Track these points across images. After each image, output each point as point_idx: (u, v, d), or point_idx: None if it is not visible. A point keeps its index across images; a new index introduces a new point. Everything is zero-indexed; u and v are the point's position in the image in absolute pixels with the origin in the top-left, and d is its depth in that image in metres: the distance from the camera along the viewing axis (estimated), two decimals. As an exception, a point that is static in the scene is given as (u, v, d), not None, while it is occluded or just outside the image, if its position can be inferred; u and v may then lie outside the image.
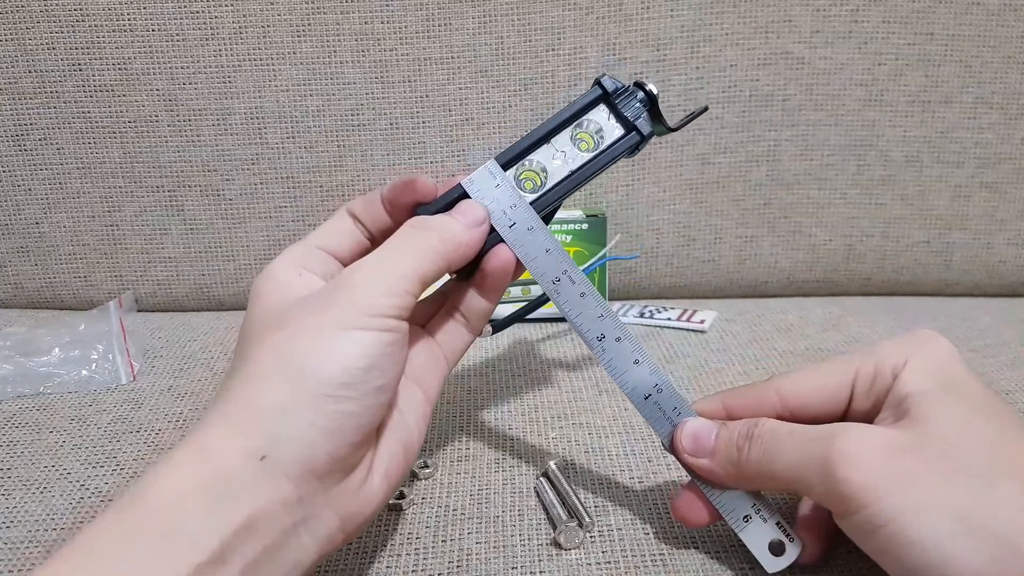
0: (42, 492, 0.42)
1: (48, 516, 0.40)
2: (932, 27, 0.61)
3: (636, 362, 0.35)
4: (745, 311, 0.63)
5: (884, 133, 0.64)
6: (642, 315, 0.62)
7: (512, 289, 0.60)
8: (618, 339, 0.35)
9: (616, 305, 0.65)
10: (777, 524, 0.33)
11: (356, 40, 0.60)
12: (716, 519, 0.34)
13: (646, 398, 0.35)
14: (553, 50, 0.61)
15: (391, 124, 0.62)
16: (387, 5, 0.60)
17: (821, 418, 0.33)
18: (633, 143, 0.37)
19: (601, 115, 0.37)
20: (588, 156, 0.37)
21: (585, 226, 0.60)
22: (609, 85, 0.37)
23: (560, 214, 0.61)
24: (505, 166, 0.37)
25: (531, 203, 0.36)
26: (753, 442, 0.32)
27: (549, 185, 0.37)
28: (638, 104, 0.37)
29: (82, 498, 0.41)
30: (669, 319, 0.61)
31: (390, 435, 0.33)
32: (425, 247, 0.33)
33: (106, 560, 0.25)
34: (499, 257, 0.36)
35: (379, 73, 0.61)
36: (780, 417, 0.33)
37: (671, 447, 0.35)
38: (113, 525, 0.26)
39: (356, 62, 0.61)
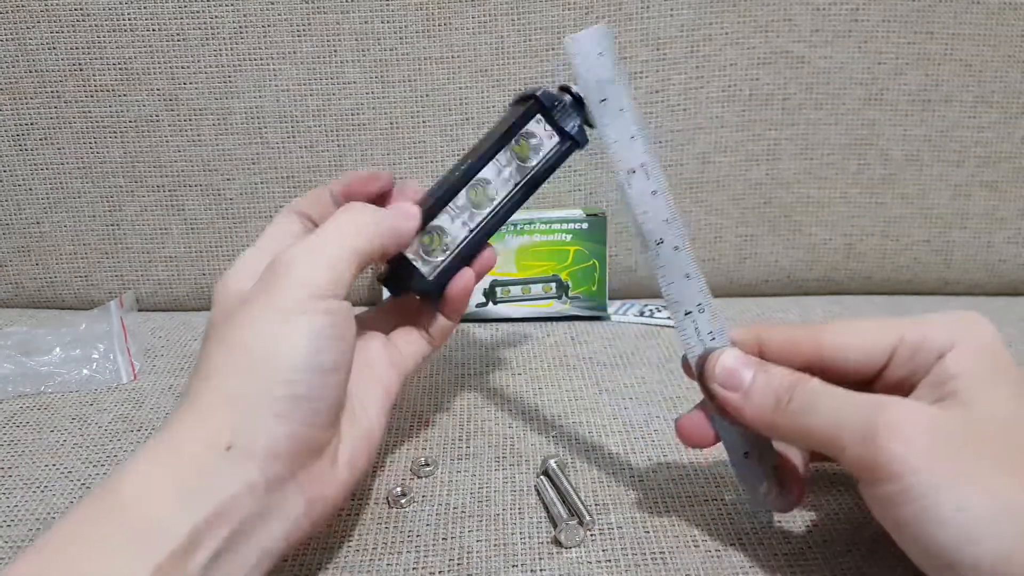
0: (43, 491, 0.42)
1: (49, 515, 0.40)
2: (932, 26, 0.61)
3: (687, 276, 0.34)
4: (745, 310, 0.63)
5: (884, 132, 0.64)
6: (642, 314, 0.62)
7: (512, 289, 0.61)
8: (676, 248, 0.34)
9: (616, 304, 0.65)
10: (773, 468, 0.34)
11: (356, 40, 0.60)
12: (717, 441, 0.34)
13: (686, 314, 0.34)
14: (553, 49, 0.61)
15: (391, 124, 0.63)
16: (387, 5, 0.60)
17: (854, 373, 0.32)
18: (566, 149, 0.39)
19: (538, 127, 0.39)
20: (529, 166, 0.39)
21: (585, 225, 0.60)
22: (546, 100, 0.38)
23: (560, 213, 0.61)
24: (448, 194, 0.38)
25: (483, 219, 0.38)
26: (795, 396, 0.31)
27: (498, 199, 0.39)
28: (571, 110, 0.38)
29: (82, 497, 0.41)
30: (669, 318, 0.61)
31: (352, 425, 0.34)
32: (358, 227, 0.34)
33: (80, 550, 0.26)
34: (460, 284, 0.39)
35: (379, 73, 0.61)
36: (811, 364, 0.33)
37: (698, 370, 0.34)
38: (86, 517, 0.27)
39: (356, 62, 0.61)
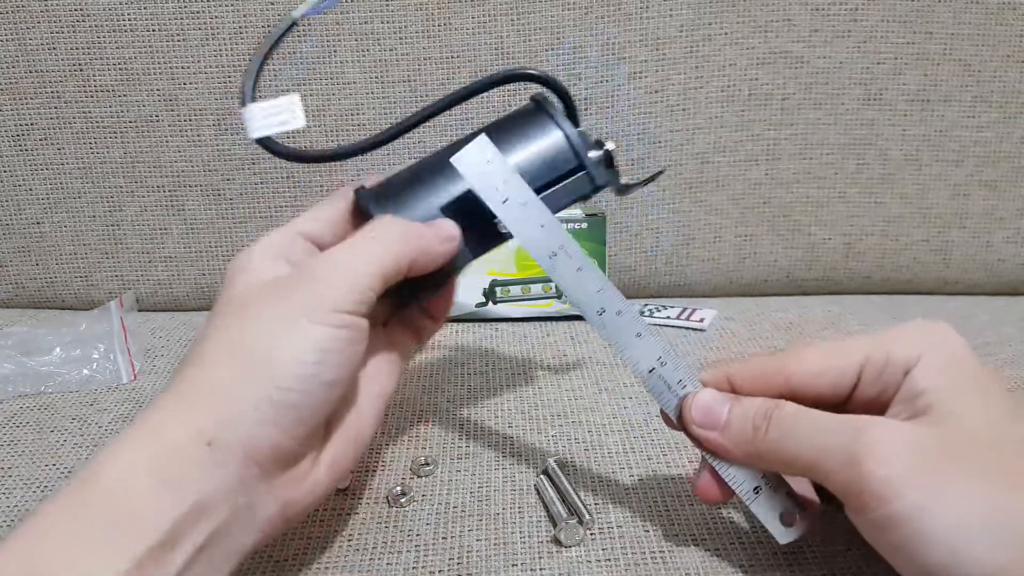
0: (43, 491, 0.42)
1: (50, 514, 0.40)
2: (931, 26, 0.61)
3: (639, 335, 0.34)
4: (745, 309, 0.63)
5: (883, 132, 0.64)
6: (642, 313, 0.62)
7: (512, 289, 0.61)
8: (619, 312, 0.34)
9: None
10: (787, 494, 0.33)
11: (356, 40, 0.61)
12: (732, 495, 0.34)
13: (650, 371, 0.34)
14: (552, 49, 0.61)
15: (391, 124, 0.62)
16: (387, 5, 0.60)
17: (824, 399, 0.32)
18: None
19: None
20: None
21: (584, 225, 0.60)
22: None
23: (560, 213, 0.61)
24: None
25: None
26: (772, 423, 0.31)
27: None
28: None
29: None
30: (668, 317, 0.61)
31: (341, 428, 0.33)
32: (390, 244, 0.33)
33: (58, 542, 0.26)
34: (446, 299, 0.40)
35: (379, 72, 0.61)
36: (782, 395, 0.33)
37: (678, 418, 0.34)
38: (66, 507, 0.27)
39: (356, 61, 0.61)
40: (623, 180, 0.39)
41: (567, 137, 0.37)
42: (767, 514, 0.33)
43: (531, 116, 0.38)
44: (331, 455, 0.32)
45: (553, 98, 0.39)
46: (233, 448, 0.28)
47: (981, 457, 0.28)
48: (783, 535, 0.33)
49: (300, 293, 0.31)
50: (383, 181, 0.37)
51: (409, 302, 0.38)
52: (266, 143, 0.37)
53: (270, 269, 0.33)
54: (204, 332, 0.31)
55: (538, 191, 0.36)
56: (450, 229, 0.36)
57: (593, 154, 0.37)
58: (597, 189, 0.37)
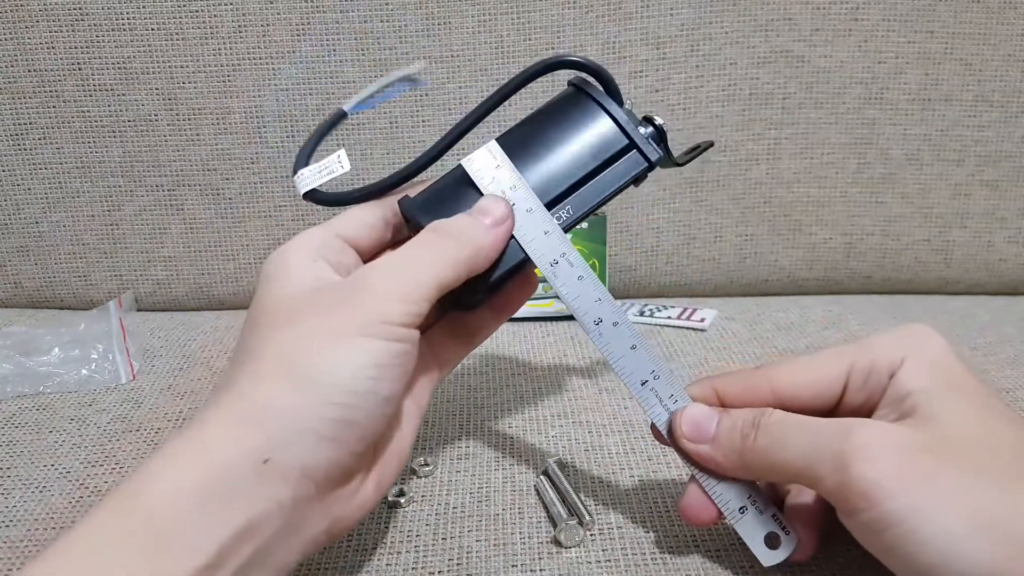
0: (41, 491, 0.42)
1: (47, 515, 0.40)
2: (932, 25, 0.61)
3: (633, 347, 0.34)
4: (745, 309, 0.63)
5: (884, 131, 0.63)
6: (642, 313, 0.62)
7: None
8: (615, 324, 0.34)
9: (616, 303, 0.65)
10: (773, 516, 0.33)
11: (356, 39, 0.60)
12: (722, 517, 0.34)
13: (643, 384, 0.34)
14: (552, 48, 0.61)
15: (391, 123, 0.62)
16: (386, 4, 0.60)
17: (812, 410, 0.32)
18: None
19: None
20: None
21: (585, 225, 0.60)
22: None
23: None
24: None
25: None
26: (760, 431, 0.31)
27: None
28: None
29: (81, 497, 0.41)
30: (669, 317, 0.61)
31: (387, 444, 0.33)
32: (445, 255, 0.32)
33: (101, 561, 0.25)
34: (526, 285, 0.38)
35: (379, 72, 0.61)
36: (769, 405, 0.33)
37: (669, 433, 0.34)
38: (108, 523, 0.26)
39: (356, 61, 0.61)
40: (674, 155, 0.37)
41: (612, 117, 0.36)
42: (752, 535, 0.33)
43: (572, 100, 0.37)
44: (378, 474, 0.32)
45: (593, 81, 0.37)
46: (290, 466, 0.28)
47: (969, 457, 0.28)
48: (767, 557, 0.33)
49: (354, 306, 0.30)
50: (426, 189, 0.36)
51: (464, 307, 0.36)
52: (313, 196, 0.36)
53: (310, 271, 0.32)
54: (250, 341, 0.30)
55: (589, 176, 0.35)
56: (499, 209, 0.33)
57: (643, 130, 0.36)
58: (651, 166, 0.36)
